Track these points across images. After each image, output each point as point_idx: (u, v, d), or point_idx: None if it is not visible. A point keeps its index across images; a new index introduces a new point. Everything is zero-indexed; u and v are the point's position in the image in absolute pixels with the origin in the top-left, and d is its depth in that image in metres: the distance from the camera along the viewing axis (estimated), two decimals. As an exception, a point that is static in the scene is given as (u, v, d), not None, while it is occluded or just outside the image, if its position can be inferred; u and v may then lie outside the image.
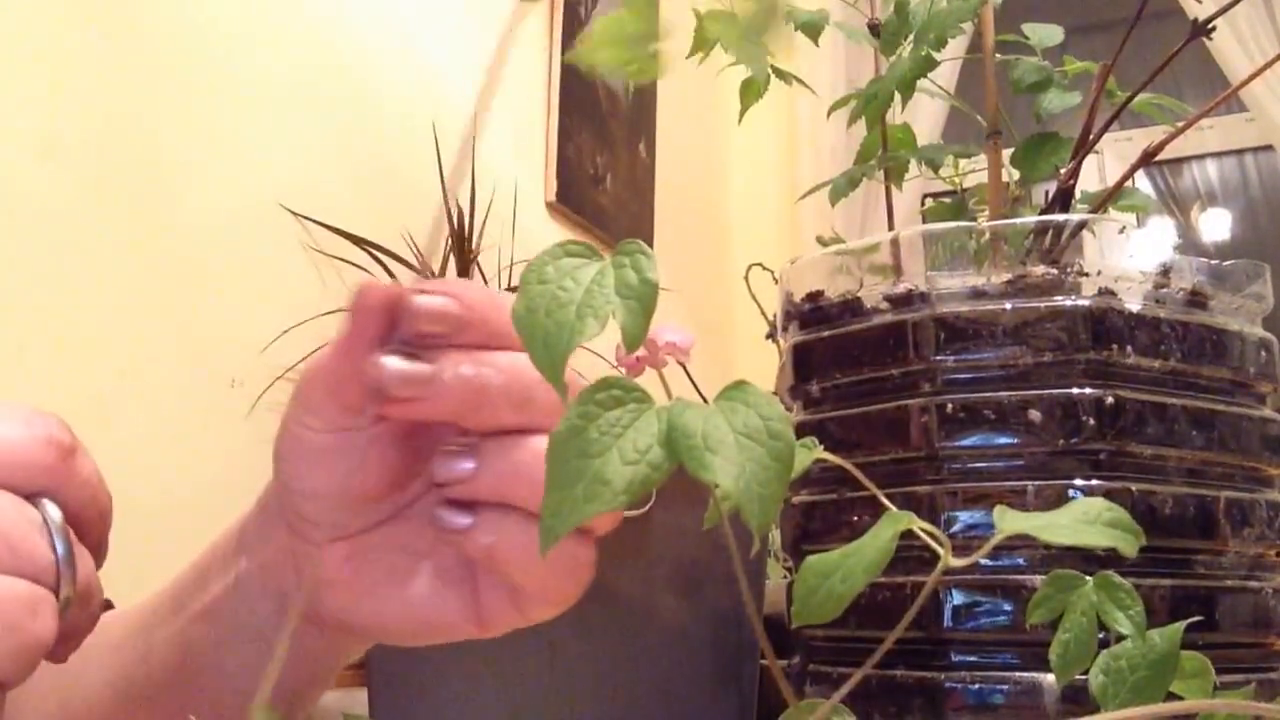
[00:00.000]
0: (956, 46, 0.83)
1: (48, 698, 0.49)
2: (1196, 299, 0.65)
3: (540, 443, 0.33)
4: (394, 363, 0.32)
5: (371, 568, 0.37)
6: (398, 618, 0.37)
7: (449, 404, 0.33)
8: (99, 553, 0.34)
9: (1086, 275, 0.62)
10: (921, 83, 0.80)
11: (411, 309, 0.32)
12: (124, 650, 0.44)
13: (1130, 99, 0.75)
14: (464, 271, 1.59)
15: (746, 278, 1.12)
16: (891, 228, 0.84)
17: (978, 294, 0.63)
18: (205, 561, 0.43)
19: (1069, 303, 0.61)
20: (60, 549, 0.31)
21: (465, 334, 0.33)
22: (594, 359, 0.38)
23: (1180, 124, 0.74)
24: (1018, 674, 0.58)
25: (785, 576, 0.77)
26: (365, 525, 0.37)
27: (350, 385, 0.34)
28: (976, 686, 0.59)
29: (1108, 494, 0.58)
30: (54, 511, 0.32)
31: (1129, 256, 0.64)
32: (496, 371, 0.33)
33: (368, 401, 0.33)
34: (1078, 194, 0.75)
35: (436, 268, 1.60)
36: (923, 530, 0.35)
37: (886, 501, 0.41)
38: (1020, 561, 0.60)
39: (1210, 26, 0.71)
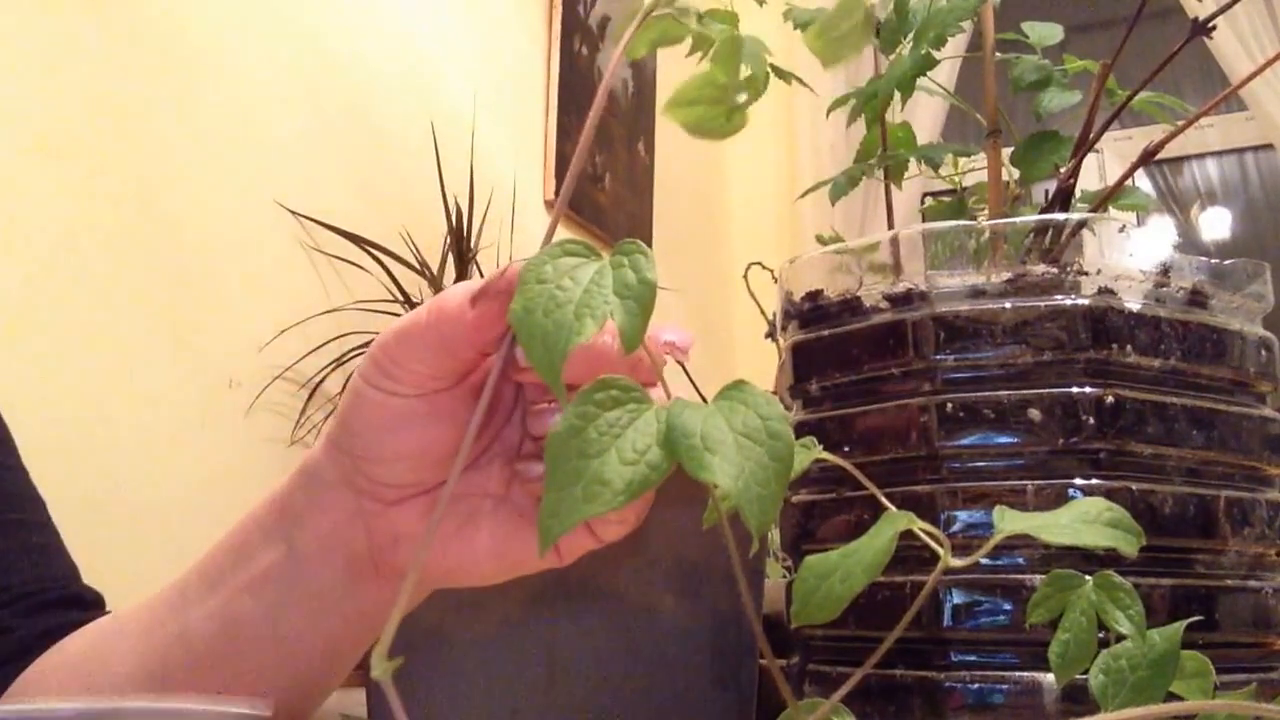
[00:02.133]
0: (956, 45, 0.83)
1: (70, 687, 0.49)
2: (1196, 298, 0.65)
3: None
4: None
5: (447, 518, 0.39)
6: (477, 560, 0.39)
7: (577, 371, 0.34)
8: None
9: (1086, 274, 0.62)
10: (921, 81, 0.80)
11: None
12: (155, 634, 0.45)
13: (1130, 98, 0.75)
14: (463, 270, 1.59)
15: (746, 277, 1.12)
16: (891, 226, 0.84)
17: (977, 293, 0.63)
18: (238, 540, 0.44)
19: (1069, 302, 0.61)
20: None
21: None
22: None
23: (1180, 123, 0.74)
24: (1018, 673, 0.58)
25: (785, 576, 0.77)
26: (434, 484, 0.39)
27: (474, 342, 0.35)
28: (976, 686, 0.59)
29: (1108, 493, 0.58)
30: None
31: (1129, 255, 0.64)
32: (611, 338, 0.35)
33: (458, 362, 0.35)
34: (1077, 193, 0.75)
35: (435, 267, 1.60)
36: (922, 530, 0.35)
37: (886, 501, 0.41)
38: (1020, 561, 0.60)
39: (1210, 25, 0.70)
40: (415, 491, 0.40)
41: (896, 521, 0.35)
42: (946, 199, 0.90)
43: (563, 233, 2.32)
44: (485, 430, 0.39)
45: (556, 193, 2.16)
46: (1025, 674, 0.58)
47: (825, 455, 0.45)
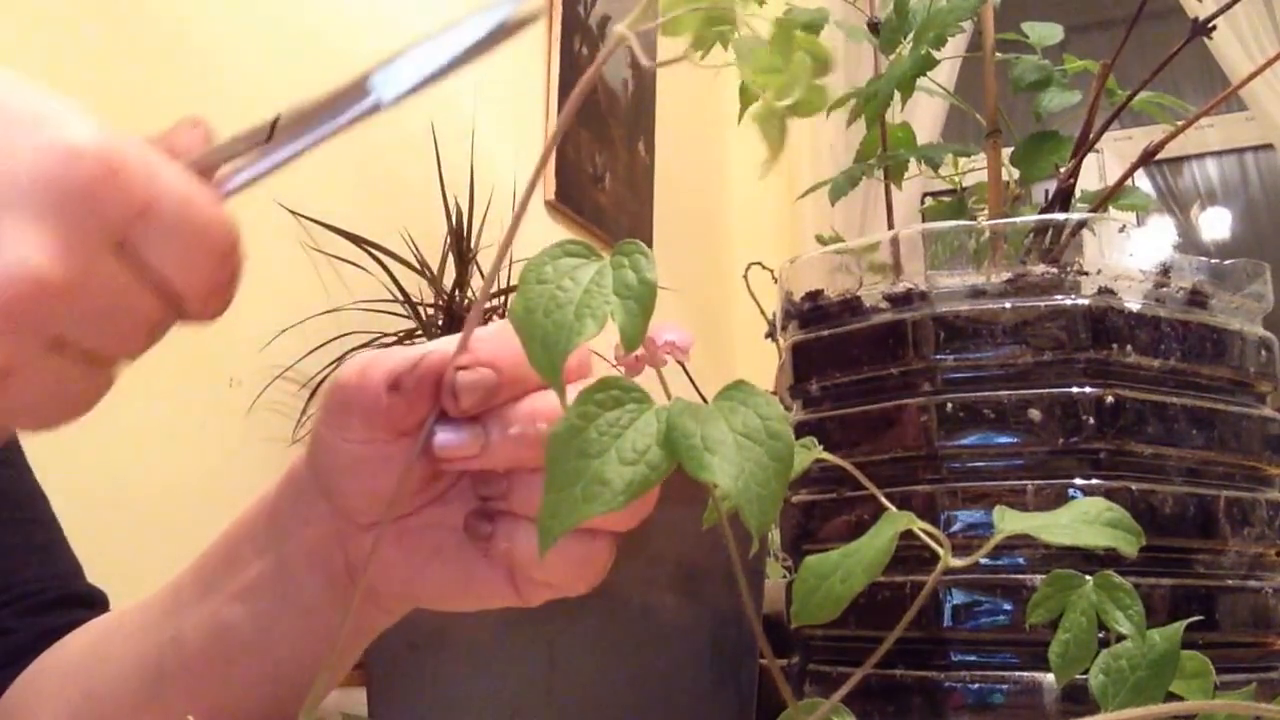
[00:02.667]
0: (956, 45, 0.83)
1: (67, 687, 0.49)
2: (1196, 298, 0.65)
3: None
4: (446, 435, 0.35)
5: (419, 545, 0.39)
6: (443, 591, 0.39)
7: (501, 459, 0.35)
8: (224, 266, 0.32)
9: (1086, 274, 0.62)
10: (921, 81, 0.80)
11: (454, 388, 0.34)
12: (150, 635, 0.45)
13: (1130, 98, 0.75)
14: (463, 270, 1.59)
15: (746, 277, 1.12)
16: (891, 227, 0.84)
17: (977, 293, 0.63)
18: (231, 544, 0.44)
19: (1069, 302, 0.61)
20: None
21: (503, 392, 0.35)
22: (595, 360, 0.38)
23: (1180, 123, 0.74)
24: (1018, 673, 0.58)
25: (785, 576, 0.77)
26: (408, 511, 0.39)
27: (391, 423, 0.35)
28: (976, 686, 0.59)
29: (1107, 493, 0.58)
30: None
31: (1129, 255, 0.64)
32: (546, 423, 0.34)
33: (420, 461, 0.35)
34: (1077, 193, 0.75)
35: (436, 266, 1.60)
36: (922, 530, 0.35)
37: (886, 501, 0.41)
38: (1020, 561, 0.60)
39: (1210, 25, 0.70)
40: (382, 520, 0.39)
41: (896, 521, 0.35)
42: (946, 199, 0.90)
43: (563, 233, 2.32)
44: (444, 473, 0.39)
45: (557, 193, 2.16)
46: (1025, 674, 0.58)
47: (825, 455, 0.45)
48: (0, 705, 0.52)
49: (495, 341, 0.34)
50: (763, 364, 1.00)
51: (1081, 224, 0.66)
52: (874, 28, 0.84)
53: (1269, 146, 2.96)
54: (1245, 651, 0.62)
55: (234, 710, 0.43)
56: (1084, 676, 0.38)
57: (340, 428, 0.37)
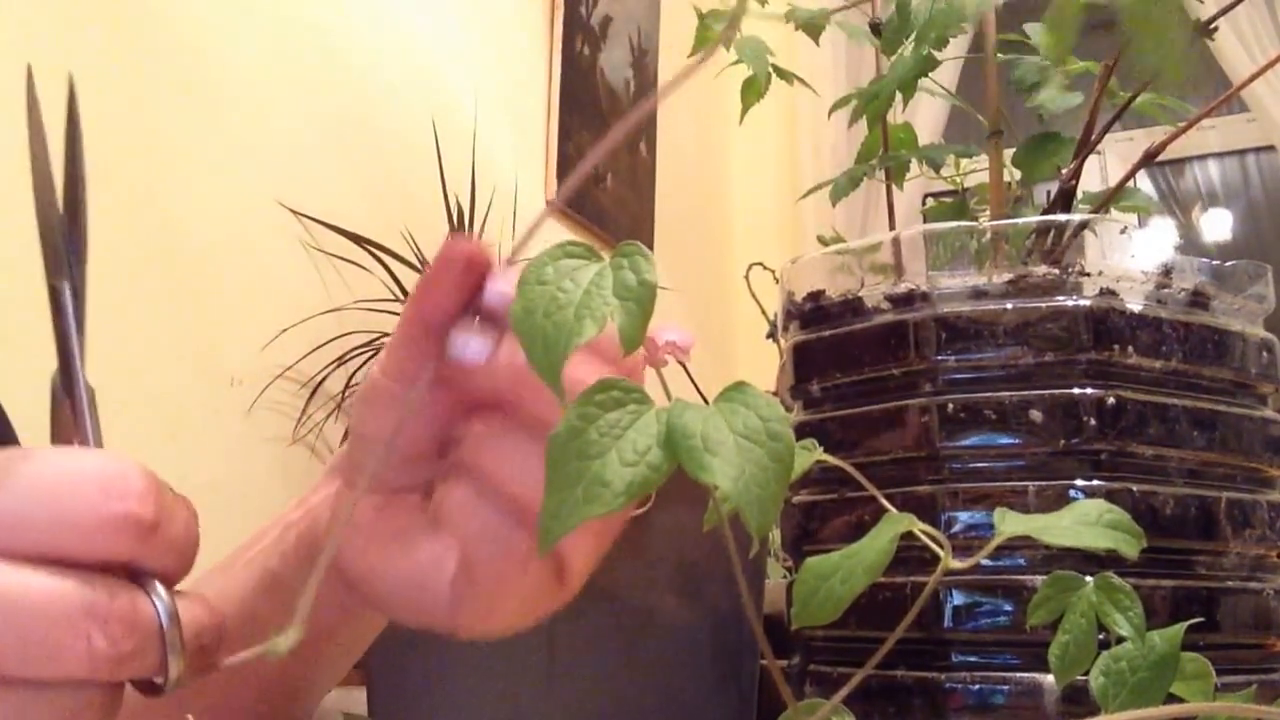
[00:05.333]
0: (958, 46, 0.83)
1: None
2: (1198, 299, 0.65)
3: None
4: (462, 329, 0.34)
5: (392, 521, 0.38)
6: (390, 576, 0.38)
7: (496, 383, 0.34)
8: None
9: (1088, 275, 0.62)
10: (923, 82, 0.80)
11: (490, 291, 0.34)
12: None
13: (1132, 99, 0.75)
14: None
15: (747, 277, 1.12)
16: (893, 227, 0.84)
17: (979, 294, 0.63)
18: (266, 526, 0.45)
19: (1070, 303, 0.61)
20: (169, 636, 0.30)
21: None
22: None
23: (1182, 124, 0.74)
24: (1018, 674, 0.58)
25: (785, 576, 0.77)
26: (399, 487, 0.38)
27: (418, 330, 0.35)
28: (977, 687, 0.59)
29: (1109, 494, 0.58)
30: (160, 602, 0.30)
31: (1130, 257, 0.64)
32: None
33: (431, 354, 0.35)
34: (1079, 194, 0.75)
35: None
36: (923, 531, 0.35)
37: (886, 503, 0.41)
38: (1021, 562, 0.60)
39: (1212, 27, 0.70)
40: (375, 487, 0.39)
41: (897, 523, 0.35)
42: (948, 200, 0.90)
43: (564, 233, 2.33)
44: (444, 452, 0.38)
45: (558, 193, 2.16)
46: (1026, 675, 0.58)
47: (826, 457, 0.45)
48: None
49: None
50: (764, 364, 1.00)
51: (1083, 225, 0.66)
52: (876, 29, 0.84)
53: (1270, 148, 2.96)
54: (1246, 653, 0.62)
55: (225, 703, 0.43)
56: (1084, 678, 0.38)
57: (385, 355, 0.36)
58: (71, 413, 0.34)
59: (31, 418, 0.36)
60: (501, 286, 0.34)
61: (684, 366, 0.39)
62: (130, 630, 0.28)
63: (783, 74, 0.80)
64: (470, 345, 0.34)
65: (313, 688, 0.48)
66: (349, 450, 0.40)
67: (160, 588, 0.30)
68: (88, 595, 0.28)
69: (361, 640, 0.47)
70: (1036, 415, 0.60)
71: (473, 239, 0.34)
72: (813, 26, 0.82)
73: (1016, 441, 0.60)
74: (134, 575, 0.29)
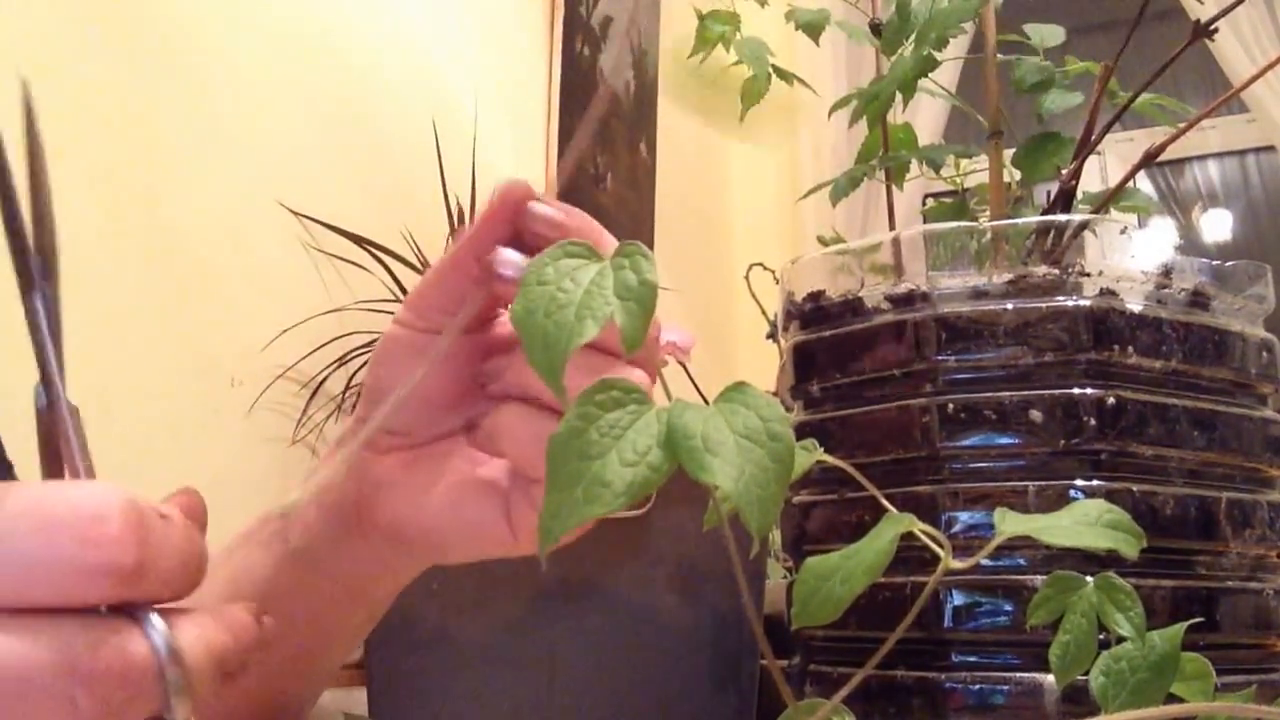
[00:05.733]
0: (958, 46, 0.83)
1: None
2: (1198, 300, 0.65)
3: None
4: (508, 251, 0.37)
5: (423, 473, 0.40)
6: (440, 520, 0.40)
7: None
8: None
9: (1088, 275, 0.62)
10: (923, 82, 0.80)
11: (532, 212, 0.37)
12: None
13: (1132, 100, 0.75)
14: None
15: (747, 277, 1.12)
16: (893, 228, 0.84)
17: (979, 294, 0.63)
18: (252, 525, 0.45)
19: (1070, 303, 0.61)
20: (170, 676, 0.27)
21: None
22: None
23: (1182, 125, 0.74)
24: (1018, 674, 0.58)
25: (785, 576, 0.77)
26: (425, 438, 0.41)
27: (462, 269, 0.38)
28: (977, 687, 0.59)
29: (1109, 494, 0.58)
30: (158, 637, 0.27)
31: (1130, 257, 0.64)
32: None
33: (477, 284, 0.38)
34: (1079, 194, 0.75)
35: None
36: (923, 532, 0.35)
37: (887, 503, 0.41)
38: (1021, 562, 0.60)
39: (1212, 28, 0.70)
40: (404, 444, 0.41)
41: (897, 524, 0.35)
42: (948, 200, 0.90)
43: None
44: (470, 402, 0.40)
45: (558, 193, 2.16)
46: (1026, 675, 0.58)
47: (826, 457, 0.45)
48: None
49: (573, 208, 0.38)
50: (764, 365, 1.00)
51: (1083, 225, 0.66)
52: (876, 29, 0.84)
53: (1270, 148, 2.96)
54: (1246, 653, 0.62)
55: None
56: (1085, 678, 0.38)
57: (408, 309, 0.39)
58: (55, 433, 0.32)
59: (30, 419, 0.36)
60: (542, 209, 0.37)
61: (684, 366, 0.39)
62: (122, 681, 0.25)
63: (783, 74, 0.80)
64: (514, 260, 0.37)
65: (314, 672, 0.48)
66: (361, 408, 0.41)
67: (157, 621, 0.27)
68: (67, 653, 0.25)
69: (380, 604, 0.47)
70: (1036, 415, 0.60)
71: (525, 182, 0.38)
72: (813, 26, 0.82)
73: (1016, 441, 0.60)
74: (126, 608, 0.27)
